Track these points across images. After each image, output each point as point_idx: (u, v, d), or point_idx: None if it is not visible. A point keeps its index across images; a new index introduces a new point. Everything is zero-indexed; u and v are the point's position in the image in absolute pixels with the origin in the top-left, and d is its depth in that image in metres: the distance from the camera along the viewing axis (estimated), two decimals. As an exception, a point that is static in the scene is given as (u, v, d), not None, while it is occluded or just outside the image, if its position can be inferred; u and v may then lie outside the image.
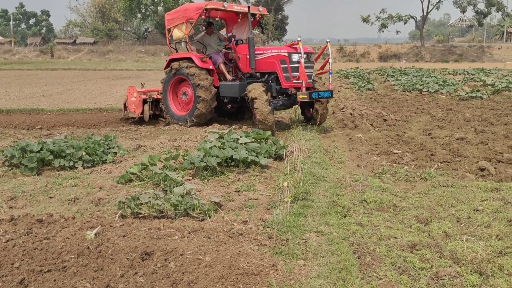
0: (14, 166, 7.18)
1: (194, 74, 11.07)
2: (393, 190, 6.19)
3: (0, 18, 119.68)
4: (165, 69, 11.79)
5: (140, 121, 12.55)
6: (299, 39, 10.65)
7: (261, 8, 11.87)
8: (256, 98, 10.08)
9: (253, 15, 11.89)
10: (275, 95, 10.84)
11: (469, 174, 6.95)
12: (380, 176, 6.90)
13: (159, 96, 12.29)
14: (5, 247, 4.25)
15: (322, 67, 11.52)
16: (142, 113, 12.29)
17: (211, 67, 11.32)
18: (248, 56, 10.87)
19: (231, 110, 12.30)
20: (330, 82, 10.94)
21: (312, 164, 7.55)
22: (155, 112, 12.53)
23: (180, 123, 11.59)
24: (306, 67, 10.40)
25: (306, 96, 10.19)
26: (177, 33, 11.54)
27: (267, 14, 12.15)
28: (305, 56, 10.44)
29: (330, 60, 10.80)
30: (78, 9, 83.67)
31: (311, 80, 10.74)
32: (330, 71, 10.92)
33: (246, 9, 11.52)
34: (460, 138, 9.44)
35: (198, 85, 11.02)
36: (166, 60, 11.92)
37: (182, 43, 12.66)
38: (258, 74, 11.02)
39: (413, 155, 8.22)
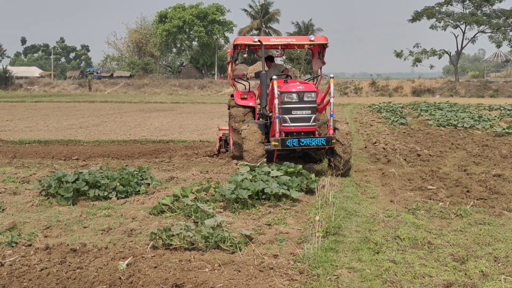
0: (51, 195, 7.34)
1: (231, 115, 10.75)
2: (427, 227, 6.06)
3: (42, 52, 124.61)
4: None
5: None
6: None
7: (312, 37, 10.46)
8: (245, 138, 9.20)
9: (310, 45, 10.80)
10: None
11: (507, 212, 6.76)
12: (414, 212, 6.77)
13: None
14: (40, 276, 4.32)
15: (322, 108, 9.90)
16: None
17: (251, 104, 10.71)
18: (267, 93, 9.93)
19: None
20: (331, 126, 9.14)
21: (344, 198, 7.48)
22: (226, 149, 12.35)
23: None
24: (296, 109, 9.13)
25: (277, 143, 8.87)
26: (228, 69, 11.51)
27: (322, 43, 10.54)
28: (293, 95, 9.12)
29: (332, 100, 9.10)
30: (115, 44, 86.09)
31: (308, 124, 9.24)
32: (332, 113, 9.16)
33: (284, 41, 10.73)
34: (497, 175, 9.21)
35: (232, 127, 10.69)
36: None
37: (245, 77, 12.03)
38: (271, 114, 9.80)
39: (448, 192, 8.06)
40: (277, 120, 9.08)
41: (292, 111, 9.18)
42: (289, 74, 10.86)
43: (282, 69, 11.30)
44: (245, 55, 10.93)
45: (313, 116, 9.29)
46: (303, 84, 9.47)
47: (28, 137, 15.99)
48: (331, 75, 9.46)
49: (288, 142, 8.94)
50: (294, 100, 9.14)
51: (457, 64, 61.20)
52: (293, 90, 9.20)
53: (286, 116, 9.15)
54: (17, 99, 43.29)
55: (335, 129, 9.26)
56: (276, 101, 9.01)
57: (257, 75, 10.43)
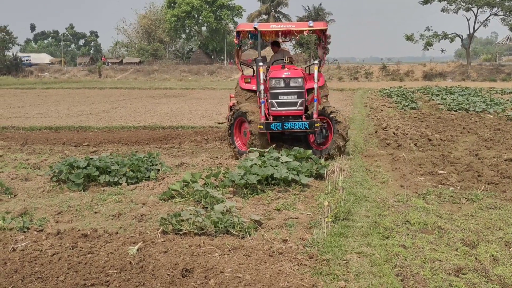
0: (62, 181, 7.40)
1: (236, 92, 11.05)
2: (438, 212, 6.03)
3: (51, 38, 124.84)
4: None
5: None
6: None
7: (311, 23, 10.59)
8: (247, 112, 9.52)
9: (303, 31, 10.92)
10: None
11: (519, 197, 6.70)
12: (425, 197, 6.74)
13: None
14: (51, 261, 4.37)
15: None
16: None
17: (254, 87, 10.78)
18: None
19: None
20: (315, 111, 9.41)
21: (353, 183, 7.46)
22: None
23: None
24: (283, 94, 9.47)
25: (262, 127, 9.21)
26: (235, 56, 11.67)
27: (321, 28, 10.64)
28: (280, 81, 9.46)
29: (315, 86, 9.39)
30: (125, 30, 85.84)
31: (295, 108, 9.53)
32: (315, 97, 9.42)
33: (283, 27, 10.85)
34: (508, 159, 9.13)
35: (233, 104, 10.90)
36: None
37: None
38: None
39: (459, 176, 8.01)
40: (262, 105, 9.45)
41: (279, 96, 9.53)
42: (291, 60, 10.88)
43: (287, 55, 11.41)
44: (250, 42, 11.12)
45: (300, 100, 9.60)
46: (291, 70, 9.76)
47: (39, 123, 16.09)
48: (315, 61, 9.79)
49: (272, 126, 9.31)
50: (280, 86, 9.51)
51: (469, 48, 60.37)
52: (280, 76, 9.54)
53: (273, 100, 9.54)
54: (28, 85, 43.51)
55: (331, 112, 9.56)
56: (261, 87, 9.45)
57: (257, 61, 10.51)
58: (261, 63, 9.68)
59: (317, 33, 11.03)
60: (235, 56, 11.69)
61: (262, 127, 9.26)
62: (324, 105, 10.01)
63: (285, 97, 9.54)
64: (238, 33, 10.88)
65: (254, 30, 10.37)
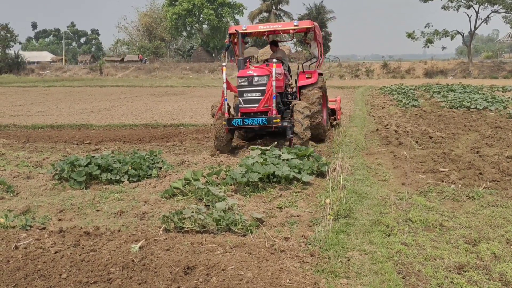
0: (64, 179, 7.42)
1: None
2: (439, 209, 6.04)
3: (53, 37, 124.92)
4: None
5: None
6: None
7: (296, 22, 11.10)
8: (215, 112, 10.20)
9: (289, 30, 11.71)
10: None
11: (520, 194, 6.70)
12: (426, 195, 6.75)
13: None
14: (54, 258, 4.38)
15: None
16: None
17: None
18: None
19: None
20: (274, 107, 9.70)
21: (355, 181, 7.46)
22: None
23: None
24: (247, 92, 9.86)
25: (225, 123, 9.78)
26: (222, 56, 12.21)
27: (307, 27, 11.08)
28: (244, 80, 9.86)
29: (273, 83, 9.67)
30: (126, 28, 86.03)
31: (255, 106, 9.83)
32: (274, 94, 9.76)
33: (270, 27, 11.33)
34: (510, 157, 9.13)
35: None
36: None
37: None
38: None
39: (460, 174, 8.01)
40: (225, 102, 9.95)
41: (244, 94, 9.97)
42: (279, 58, 11.30)
43: (281, 54, 11.87)
44: (231, 40, 11.39)
45: (262, 98, 9.82)
46: (257, 69, 10.09)
47: (40, 121, 16.11)
48: (274, 60, 10.12)
49: (234, 122, 9.78)
50: (245, 84, 9.91)
51: (470, 45, 60.27)
52: (244, 74, 9.94)
53: (240, 98, 10.00)
54: (29, 84, 43.51)
55: (293, 104, 9.93)
56: (224, 85, 9.91)
57: (239, 62, 10.98)
58: (224, 63, 10.22)
59: (305, 31, 11.41)
60: (222, 57, 12.17)
61: (225, 123, 9.76)
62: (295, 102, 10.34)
63: (249, 94, 9.94)
64: (230, 35, 11.27)
65: (235, 32, 10.88)
